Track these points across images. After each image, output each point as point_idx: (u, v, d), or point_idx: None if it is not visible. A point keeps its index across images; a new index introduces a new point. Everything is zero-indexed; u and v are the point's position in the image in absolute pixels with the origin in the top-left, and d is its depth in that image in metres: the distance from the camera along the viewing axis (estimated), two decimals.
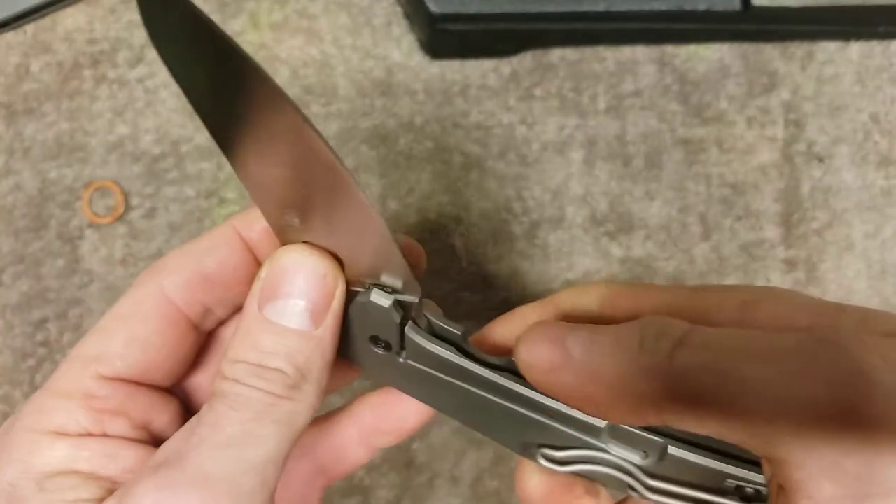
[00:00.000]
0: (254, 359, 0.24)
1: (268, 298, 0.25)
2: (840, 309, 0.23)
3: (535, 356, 0.23)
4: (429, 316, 0.26)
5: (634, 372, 0.21)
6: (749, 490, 0.24)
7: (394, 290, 0.25)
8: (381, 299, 0.25)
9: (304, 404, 0.25)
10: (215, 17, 0.44)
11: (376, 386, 0.31)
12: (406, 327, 0.25)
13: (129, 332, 0.26)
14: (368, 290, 0.25)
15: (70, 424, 0.25)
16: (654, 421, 0.22)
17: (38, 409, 0.26)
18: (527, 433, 0.26)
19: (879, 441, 0.19)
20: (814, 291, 0.44)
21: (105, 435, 0.26)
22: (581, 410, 0.24)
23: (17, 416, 0.26)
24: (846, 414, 0.19)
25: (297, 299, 0.24)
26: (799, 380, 0.19)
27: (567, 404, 0.24)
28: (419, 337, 0.25)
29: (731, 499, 0.24)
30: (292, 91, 0.44)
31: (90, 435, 0.25)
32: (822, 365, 0.19)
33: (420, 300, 0.25)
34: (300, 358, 0.24)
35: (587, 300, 0.27)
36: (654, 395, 0.21)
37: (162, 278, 0.26)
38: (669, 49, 0.46)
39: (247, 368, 0.24)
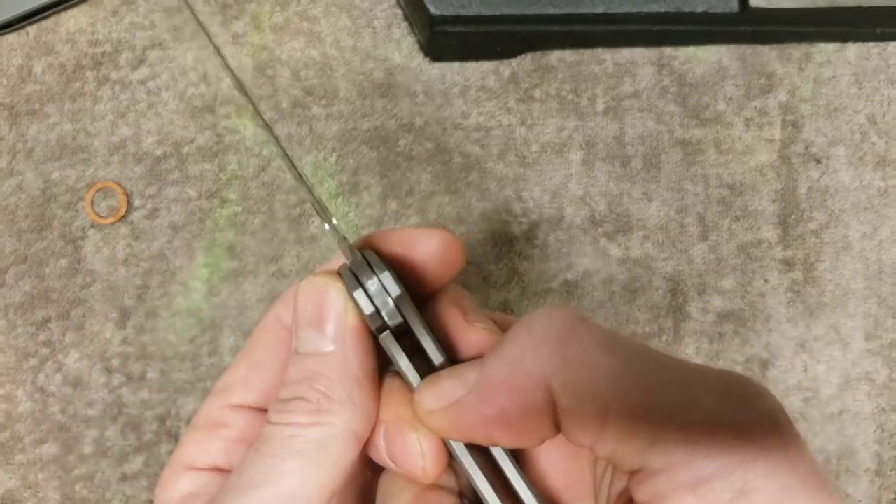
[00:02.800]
0: (283, 395, 0.24)
1: (294, 335, 0.25)
2: None
3: (437, 392, 0.23)
4: (415, 330, 0.25)
5: (529, 373, 0.21)
6: None
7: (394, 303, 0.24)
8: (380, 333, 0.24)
9: (334, 427, 0.23)
10: (217, 19, 0.45)
11: None
12: (393, 351, 0.25)
13: (251, 359, 0.27)
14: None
15: (202, 456, 0.26)
16: (549, 435, 0.22)
17: (179, 445, 0.27)
18: None
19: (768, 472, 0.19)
20: (811, 291, 0.45)
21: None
22: (499, 443, 0.23)
23: None
24: (752, 441, 0.19)
25: (310, 325, 0.24)
26: (726, 404, 0.20)
27: (485, 440, 0.23)
28: (394, 355, 0.25)
29: None
30: (293, 92, 0.45)
31: (216, 469, 0.26)
32: (746, 396, 0.20)
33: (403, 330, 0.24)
34: (321, 380, 0.24)
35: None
36: (549, 401, 0.21)
37: (277, 308, 0.27)
38: (668, 51, 0.46)
39: (275, 406, 0.24)
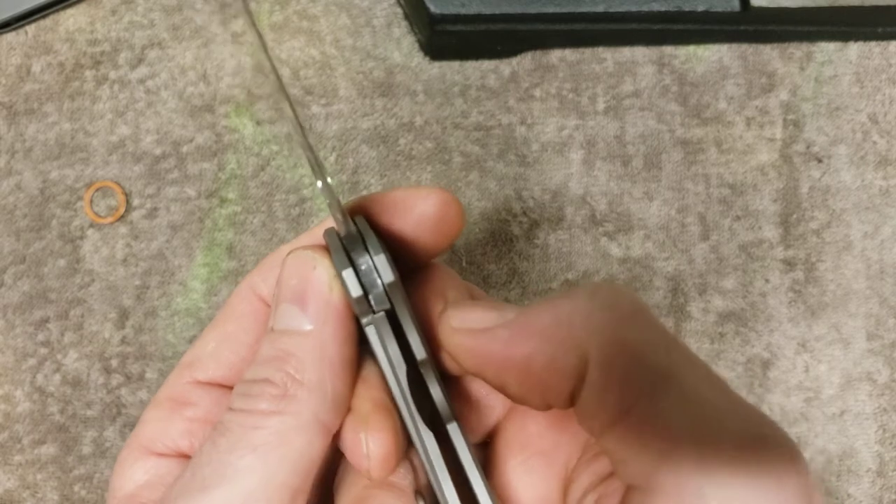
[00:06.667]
0: (249, 375, 0.22)
1: (273, 310, 0.23)
2: None
3: (472, 314, 0.22)
4: (401, 319, 0.23)
5: (573, 331, 0.20)
6: None
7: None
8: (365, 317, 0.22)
9: (299, 416, 0.21)
10: (216, 18, 0.45)
11: None
12: (366, 325, 0.23)
13: (221, 332, 0.25)
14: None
15: (163, 437, 0.24)
16: (559, 404, 0.21)
17: (140, 421, 0.25)
18: None
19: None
20: (813, 291, 0.44)
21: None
22: (508, 390, 0.22)
23: None
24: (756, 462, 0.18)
25: (291, 301, 0.22)
26: (742, 422, 0.19)
27: (496, 381, 0.22)
28: (384, 342, 0.23)
29: None
30: (293, 91, 0.44)
31: (178, 455, 0.24)
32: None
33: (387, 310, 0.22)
34: (292, 360, 0.22)
35: None
36: (578, 373, 0.20)
37: (252, 277, 0.25)
38: (668, 50, 0.46)
39: (239, 388, 0.22)
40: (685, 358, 0.20)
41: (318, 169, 0.22)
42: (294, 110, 0.22)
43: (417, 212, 0.23)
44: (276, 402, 0.21)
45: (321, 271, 0.22)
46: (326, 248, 0.23)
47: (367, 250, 0.22)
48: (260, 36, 0.22)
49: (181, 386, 0.25)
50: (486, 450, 0.25)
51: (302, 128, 0.22)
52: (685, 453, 0.18)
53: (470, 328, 0.21)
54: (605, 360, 0.19)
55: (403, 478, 0.23)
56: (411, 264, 0.24)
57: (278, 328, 0.22)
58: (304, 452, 0.21)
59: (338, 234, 0.23)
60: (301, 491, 0.22)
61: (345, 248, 0.22)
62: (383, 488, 0.23)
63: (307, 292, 0.22)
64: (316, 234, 0.24)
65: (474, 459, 0.22)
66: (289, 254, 0.23)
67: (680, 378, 0.19)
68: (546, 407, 0.21)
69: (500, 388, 0.22)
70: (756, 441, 0.18)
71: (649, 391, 0.19)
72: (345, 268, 0.22)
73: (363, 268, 0.22)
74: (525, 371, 0.21)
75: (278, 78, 0.22)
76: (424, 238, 0.24)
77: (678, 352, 0.20)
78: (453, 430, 0.22)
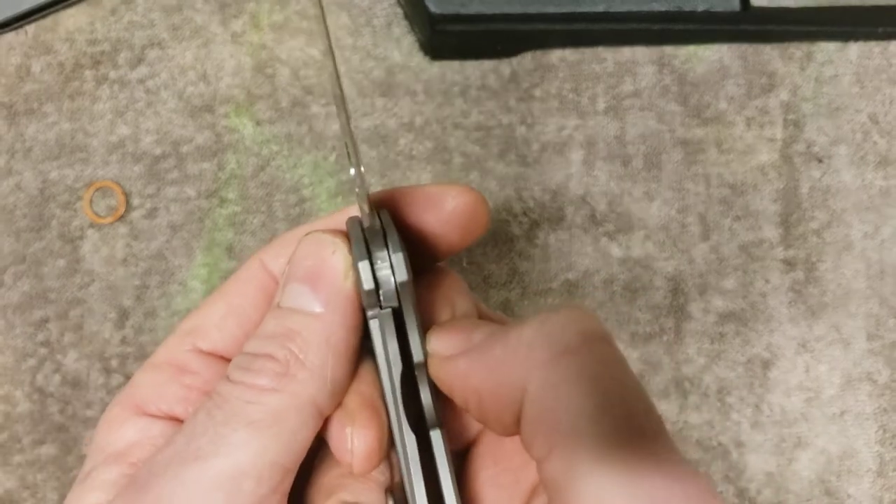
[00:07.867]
0: (251, 348, 0.22)
1: (282, 287, 0.23)
2: None
3: (441, 341, 0.22)
4: (406, 320, 0.23)
5: (513, 368, 0.20)
6: None
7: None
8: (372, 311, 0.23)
9: (296, 397, 0.21)
10: (216, 18, 0.44)
11: None
12: (370, 317, 0.23)
13: (227, 304, 0.25)
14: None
15: (158, 401, 0.24)
16: (513, 431, 0.21)
17: (132, 382, 0.25)
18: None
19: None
20: (813, 291, 0.44)
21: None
22: (472, 414, 0.22)
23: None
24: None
25: (303, 281, 0.22)
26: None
27: (462, 406, 0.22)
28: (385, 338, 0.23)
29: None
30: (293, 91, 0.44)
31: (171, 418, 0.24)
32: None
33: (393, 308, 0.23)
34: (297, 339, 0.22)
35: None
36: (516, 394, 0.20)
37: (263, 254, 0.25)
38: (669, 50, 0.46)
39: (239, 361, 0.22)
40: (615, 398, 0.19)
41: (354, 157, 0.22)
42: (343, 94, 0.22)
43: (448, 209, 0.24)
44: (277, 379, 0.21)
45: (338, 257, 0.22)
46: (346, 235, 0.23)
47: (386, 246, 0.22)
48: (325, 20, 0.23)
49: (182, 353, 0.25)
50: (463, 458, 0.25)
51: (347, 114, 0.22)
52: None
53: (438, 354, 0.22)
54: (536, 398, 0.20)
55: (381, 473, 0.24)
56: (429, 259, 0.24)
57: (286, 305, 0.22)
58: (297, 433, 0.21)
59: (360, 224, 0.23)
60: (290, 472, 0.22)
61: (365, 240, 0.22)
62: (357, 479, 0.23)
63: (321, 275, 0.22)
64: (335, 220, 0.25)
65: (450, 469, 0.22)
66: (307, 234, 0.23)
67: (600, 425, 0.19)
68: (507, 433, 0.21)
69: (468, 412, 0.22)
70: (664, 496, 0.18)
71: (566, 435, 0.19)
72: (362, 259, 0.22)
73: (379, 262, 0.22)
74: (478, 401, 0.21)
75: (333, 59, 0.22)
76: (452, 235, 0.24)
77: (611, 392, 0.20)
78: (436, 436, 0.23)
